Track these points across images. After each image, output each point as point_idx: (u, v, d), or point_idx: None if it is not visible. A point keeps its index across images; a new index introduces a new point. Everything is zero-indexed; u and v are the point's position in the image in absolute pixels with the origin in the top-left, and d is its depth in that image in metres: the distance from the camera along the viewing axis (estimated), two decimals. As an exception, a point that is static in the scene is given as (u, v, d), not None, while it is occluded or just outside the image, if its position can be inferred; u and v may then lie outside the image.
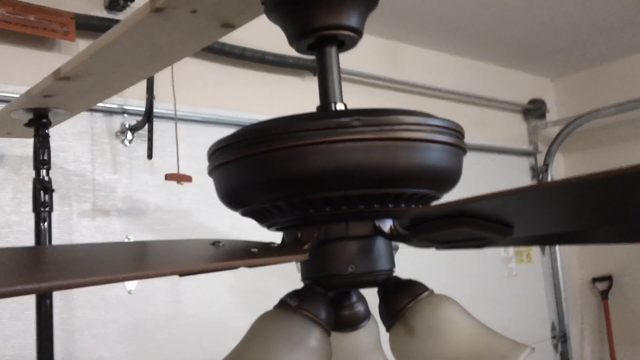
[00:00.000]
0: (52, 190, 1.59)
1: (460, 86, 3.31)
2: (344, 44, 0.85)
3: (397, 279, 0.79)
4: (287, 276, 2.45)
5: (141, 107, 2.09)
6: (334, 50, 0.84)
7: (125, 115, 2.13)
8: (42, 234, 1.58)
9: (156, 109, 2.08)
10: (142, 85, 2.04)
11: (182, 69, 2.15)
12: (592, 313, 3.68)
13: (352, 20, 0.82)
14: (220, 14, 1.06)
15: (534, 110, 3.65)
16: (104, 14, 2.12)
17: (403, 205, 0.76)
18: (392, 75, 3.00)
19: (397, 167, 0.70)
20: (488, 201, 0.60)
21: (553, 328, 3.47)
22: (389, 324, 0.76)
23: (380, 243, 0.78)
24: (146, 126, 2.08)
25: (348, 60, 2.68)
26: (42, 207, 1.57)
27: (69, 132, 1.98)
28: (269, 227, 0.82)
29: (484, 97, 3.43)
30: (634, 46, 3.44)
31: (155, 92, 2.06)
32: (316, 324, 0.73)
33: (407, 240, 0.74)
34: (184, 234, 2.24)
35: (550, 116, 3.75)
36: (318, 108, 0.84)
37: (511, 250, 3.31)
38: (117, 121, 2.12)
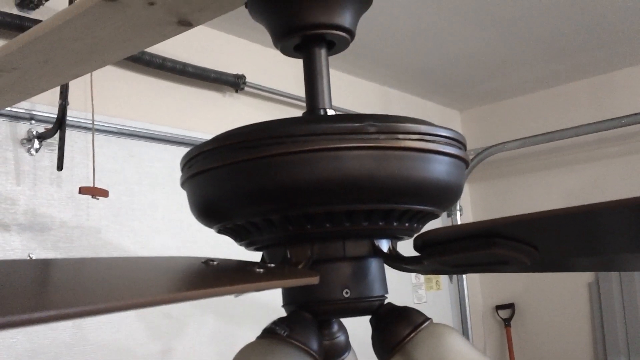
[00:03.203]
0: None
1: (369, 111, 3.29)
2: (334, 46, 0.77)
3: (393, 306, 0.71)
4: (198, 302, 2.32)
5: (51, 113, 1.91)
6: (323, 51, 0.76)
7: (33, 121, 1.94)
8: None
9: (67, 117, 1.91)
10: (53, 90, 1.87)
11: (96, 76, 1.99)
12: (495, 340, 3.76)
13: (345, 19, 0.75)
14: (180, 9, 0.95)
15: (444, 139, 3.71)
16: (15, 11, 1.93)
17: (406, 223, 0.68)
18: (302, 94, 2.93)
19: (410, 181, 0.63)
20: (523, 222, 0.54)
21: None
22: (385, 356, 0.68)
23: (376, 265, 0.71)
24: (56, 135, 1.90)
25: (260, 76, 2.62)
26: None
27: (-33, 137, 1.78)
28: (248, 245, 0.72)
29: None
30: (537, 82, 3.59)
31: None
32: (309, 355, 0.64)
33: (412, 262, 0.66)
34: (91, 253, 2.07)
35: (458, 147, 3.82)
36: (305, 114, 0.76)
37: (421, 277, 3.33)
38: (23, 127, 1.93)
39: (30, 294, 0.46)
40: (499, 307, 3.69)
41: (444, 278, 3.49)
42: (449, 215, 3.49)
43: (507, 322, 3.63)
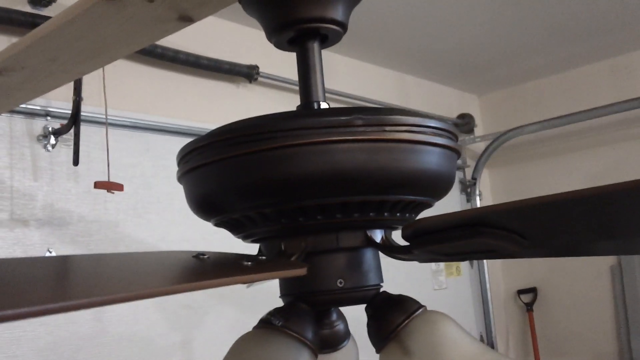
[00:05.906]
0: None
1: (386, 98, 3.27)
2: (328, 39, 0.78)
3: (388, 295, 0.72)
4: (216, 292, 2.34)
5: (66, 109, 1.94)
6: (316, 45, 0.77)
7: (49, 117, 1.97)
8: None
9: (81, 113, 1.94)
10: (68, 86, 1.90)
11: (109, 71, 2.01)
12: (517, 325, 3.75)
13: (338, 13, 0.75)
14: (180, 4, 0.96)
15: (463, 125, 3.69)
16: (27, 9, 1.96)
17: (398, 214, 0.69)
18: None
19: (401, 172, 0.64)
20: (510, 210, 0.55)
21: (481, 339, 3.50)
22: (380, 344, 0.69)
23: (370, 255, 0.72)
24: (72, 130, 1.92)
25: (274, 66, 2.62)
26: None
27: (-15, 135, 1.82)
28: (245, 238, 0.73)
29: (412, 110, 3.42)
30: (555, 65, 3.55)
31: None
32: (304, 345, 0.66)
33: (404, 251, 0.67)
34: (109, 246, 2.10)
35: (477, 131, 3.80)
36: (299, 107, 0.77)
37: (441, 263, 3.32)
38: (39, 124, 1.96)
39: (45, 287, 0.49)
40: (520, 292, 3.67)
41: (464, 264, 3.48)
42: (468, 201, 3.48)
43: (529, 306, 3.61)
